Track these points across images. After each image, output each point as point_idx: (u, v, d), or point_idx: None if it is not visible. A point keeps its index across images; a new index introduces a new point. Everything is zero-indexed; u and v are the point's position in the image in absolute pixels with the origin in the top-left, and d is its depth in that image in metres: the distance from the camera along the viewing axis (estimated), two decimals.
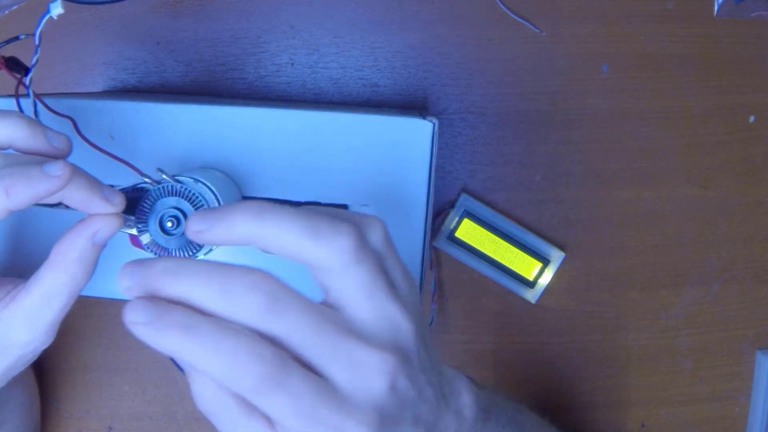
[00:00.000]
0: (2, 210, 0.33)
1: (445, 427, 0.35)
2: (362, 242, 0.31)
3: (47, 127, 0.35)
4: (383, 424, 0.31)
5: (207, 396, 0.31)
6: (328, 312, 0.30)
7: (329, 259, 0.30)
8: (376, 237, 0.33)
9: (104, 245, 0.35)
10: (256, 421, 0.31)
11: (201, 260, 0.31)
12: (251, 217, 0.30)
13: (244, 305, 0.29)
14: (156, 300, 0.29)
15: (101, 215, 0.35)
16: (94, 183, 0.35)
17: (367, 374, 0.30)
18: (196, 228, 0.31)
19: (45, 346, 0.37)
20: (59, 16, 0.37)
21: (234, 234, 0.30)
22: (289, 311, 0.29)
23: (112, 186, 0.36)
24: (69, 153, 0.36)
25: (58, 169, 0.33)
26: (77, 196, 0.34)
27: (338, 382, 0.30)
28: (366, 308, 0.31)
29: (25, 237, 0.43)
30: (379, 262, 0.32)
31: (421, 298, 0.36)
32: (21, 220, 0.43)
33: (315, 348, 0.29)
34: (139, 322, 0.29)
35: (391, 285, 0.32)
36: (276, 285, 0.30)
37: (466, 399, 0.37)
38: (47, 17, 0.37)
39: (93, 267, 0.35)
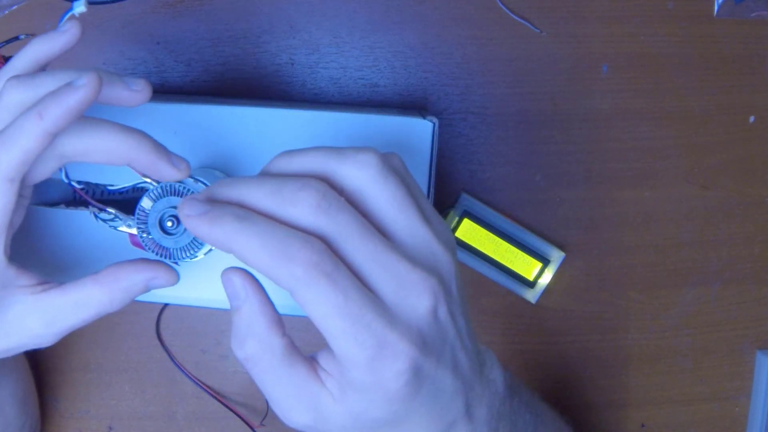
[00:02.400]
0: (42, 133, 0.33)
1: (480, 392, 0.35)
2: (385, 161, 0.31)
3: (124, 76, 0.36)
4: (425, 348, 0.30)
5: (254, 334, 0.31)
6: (371, 225, 0.31)
7: (357, 175, 0.31)
8: (396, 162, 0.33)
9: (147, 292, 0.36)
10: (300, 367, 0.32)
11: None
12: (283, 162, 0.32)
13: (297, 201, 0.29)
14: (211, 199, 0.30)
15: (166, 267, 0.36)
16: (160, 148, 0.35)
17: (411, 291, 0.30)
18: (188, 214, 0.31)
19: (45, 346, 0.37)
20: (81, 14, 0.37)
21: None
22: (340, 212, 0.30)
23: (110, 188, 0.36)
24: (148, 95, 0.36)
25: (84, 79, 0.33)
26: (145, 159, 0.35)
27: (384, 293, 0.30)
28: (403, 227, 0.31)
29: (26, 237, 0.43)
30: (406, 184, 0.32)
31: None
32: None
33: (363, 254, 0.30)
34: (193, 215, 0.30)
35: (422, 211, 0.32)
36: (327, 187, 0.30)
37: (497, 372, 0.37)
38: (69, 15, 0.37)
39: (127, 304, 0.37)
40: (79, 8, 0.37)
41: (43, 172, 0.35)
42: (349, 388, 0.31)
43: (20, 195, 0.35)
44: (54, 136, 0.33)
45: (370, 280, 0.30)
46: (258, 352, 0.32)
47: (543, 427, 0.44)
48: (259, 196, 0.30)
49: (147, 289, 0.36)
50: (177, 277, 0.36)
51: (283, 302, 0.42)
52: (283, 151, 0.32)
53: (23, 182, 0.34)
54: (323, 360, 0.32)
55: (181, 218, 0.30)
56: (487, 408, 0.36)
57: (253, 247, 0.29)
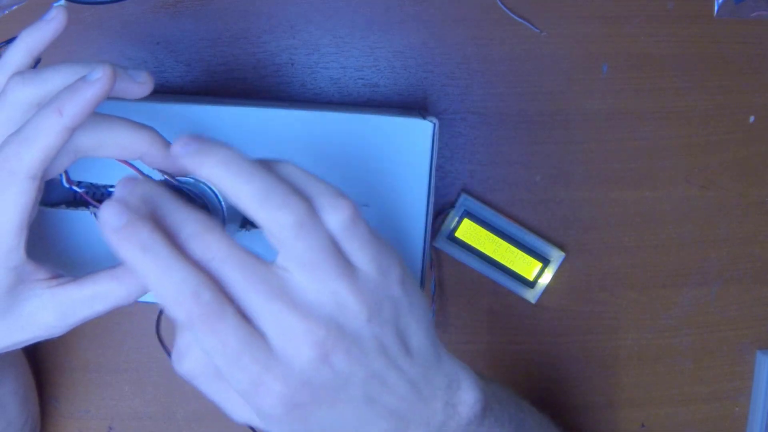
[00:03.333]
0: (62, 130, 0.33)
1: (426, 417, 0.35)
2: (308, 219, 0.32)
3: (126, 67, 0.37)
4: (310, 390, 0.32)
5: (190, 358, 0.34)
6: (268, 270, 0.31)
7: (273, 228, 0.31)
8: (335, 218, 0.33)
9: None
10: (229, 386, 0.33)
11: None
12: (218, 162, 0.31)
13: (187, 243, 0.31)
14: (131, 208, 0.31)
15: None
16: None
17: (294, 339, 0.31)
18: (179, 150, 0.32)
19: (55, 337, 0.38)
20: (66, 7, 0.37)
21: (202, 171, 0.31)
22: (228, 259, 0.31)
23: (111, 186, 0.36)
24: (152, 86, 0.37)
25: (98, 72, 0.34)
26: (156, 153, 0.37)
27: (269, 339, 0.31)
28: (306, 279, 0.32)
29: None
30: (330, 241, 0.32)
31: (421, 292, 0.36)
32: None
33: (249, 301, 0.31)
34: (108, 225, 0.30)
35: (345, 265, 0.32)
36: (220, 234, 0.31)
37: (466, 395, 0.37)
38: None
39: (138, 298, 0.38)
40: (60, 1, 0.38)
41: (58, 167, 0.36)
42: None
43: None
44: (73, 131, 0.34)
45: (259, 326, 0.31)
46: (196, 368, 0.34)
47: None
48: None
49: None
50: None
51: None
52: (233, 154, 0.32)
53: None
54: None
55: (98, 221, 0.30)
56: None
57: (147, 280, 0.30)
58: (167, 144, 0.36)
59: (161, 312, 0.60)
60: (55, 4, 0.37)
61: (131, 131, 0.36)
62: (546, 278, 0.58)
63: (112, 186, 0.41)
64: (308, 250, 0.31)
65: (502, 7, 0.57)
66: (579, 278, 0.60)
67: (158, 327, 0.60)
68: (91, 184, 0.43)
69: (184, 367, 0.34)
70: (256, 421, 0.34)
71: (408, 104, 0.58)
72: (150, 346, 0.60)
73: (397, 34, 0.58)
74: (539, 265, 0.58)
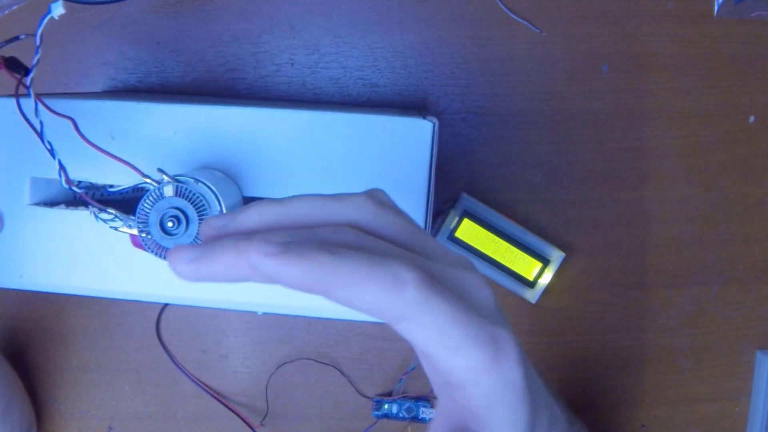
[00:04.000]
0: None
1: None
2: (375, 198, 0.30)
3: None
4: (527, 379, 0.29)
5: None
6: None
7: (359, 214, 0.29)
8: (384, 197, 0.31)
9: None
10: None
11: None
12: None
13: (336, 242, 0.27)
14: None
15: None
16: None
17: (479, 289, 0.29)
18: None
19: None
20: (60, 16, 0.37)
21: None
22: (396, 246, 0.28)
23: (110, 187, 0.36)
24: None
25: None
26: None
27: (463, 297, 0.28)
28: (431, 245, 0.30)
29: (26, 237, 0.43)
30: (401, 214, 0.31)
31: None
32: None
33: (438, 270, 0.29)
34: (270, 254, 0.25)
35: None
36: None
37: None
38: (48, 17, 0.37)
39: None
40: (58, 10, 0.37)
41: None
42: (488, 407, 0.29)
43: None
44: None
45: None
46: None
47: None
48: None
49: None
50: None
51: (286, 303, 0.42)
52: (263, 202, 0.29)
53: None
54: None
55: (252, 256, 0.26)
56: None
57: (358, 283, 0.25)
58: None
59: (161, 312, 0.60)
60: (53, 5, 0.37)
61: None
62: (546, 278, 0.58)
63: (111, 186, 0.41)
64: (398, 219, 0.30)
65: (502, 7, 0.57)
66: (579, 278, 0.60)
67: (158, 327, 0.60)
68: (90, 184, 0.43)
69: None
70: None
71: (408, 104, 0.58)
72: (150, 346, 0.60)
73: (397, 34, 0.58)
74: (539, 265, 0.58)
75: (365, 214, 0.29)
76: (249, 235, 0.27)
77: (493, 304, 0.30)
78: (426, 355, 0.28)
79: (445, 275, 0.29)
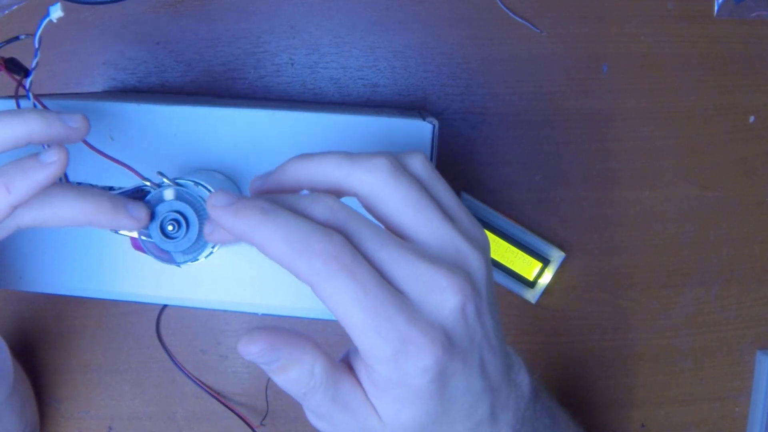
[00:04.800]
0: (6, 206, 0.33)
1: (506, 394, 0.35)
2: (397, 164, 0.32)
3: (59, 112, 0.35)
4: (450, 346, 0.30)
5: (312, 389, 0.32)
6: (389, 232, 0.31)
7: (369, 179, 0.31)
8: (414, 162, 0.33)
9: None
10: (347, 392, 0.32)
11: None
12: (300, 162, 0.33)
13: (318, 202, 0.30)
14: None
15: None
16: (118, 203, 0.36)
17: (436, 289, 0.30)
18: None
19: None
20: (59, 19, 0.37)
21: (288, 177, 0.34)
22: (353, 216, 0.30)
23: (114, 190, 0.36)
24: (88, 130, 0.36)
25: (52, 155, 0.33)
26: (104, 220, 0.35)
27: (408, 292, 0.29)
28: (423, 227, 0.31)
29: (26, 238, 0.43)
30: (421, 185, 0.32)
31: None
32: None
33: (385, 253, 0.30)
34: (219, 206, 0.30)
35: (443, 209, 0.32)
36: (347, 210, 0.30)
37: (523, 376, 0.37)
38: (47, 21, 0.37)
39: None
40: (56, 14, 0.37)
41: None
42: (379, 389, 0.31)
43: None
44: (16, 209, 0.34)
45: (394, 279, 0.29)
46: (319, 405, 0.32)
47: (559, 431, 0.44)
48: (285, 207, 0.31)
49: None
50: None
51: (285, 304, 0.42)
52: (298, 155, 0.33)
53: None
54: (354, 362, 0.33)
55: (208, 208, 0.31)
56: (512, 412, 0.35)
57: (274, 239, 0.29)
58: (115, 205, 0.35)
59: (161, 312, 0.60)
60: (52, 8, 0.37)
61: (75, 205, 0.35)
62: (546, 278, 0.58)
63: (111, 188, 0.41)
64: (409, 190, 0.31)
65: (502, 7, 0.57)
66: (579, 278, 0.60)
67: (158, 327, 0.60)
68: (90, 185, 0.43)
69: (310, 404, 0.32)
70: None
71: (408, 104, 0.58)
72: (150, 346, 0.60)
73: (397, 34, 0.58)
74: (539, 265, 0.58)
75: (373, 181, 0.31)
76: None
77: (449, 314, 0.30)
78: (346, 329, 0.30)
79: (393, 271, 0.30)
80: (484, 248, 0.33)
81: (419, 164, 0.33)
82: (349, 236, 0.29)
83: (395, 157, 0.32)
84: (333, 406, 0.31)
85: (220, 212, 0.30)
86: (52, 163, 0.33)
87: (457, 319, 0.30)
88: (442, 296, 0.30)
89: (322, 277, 0.28)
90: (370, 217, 0.32)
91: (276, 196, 0.31)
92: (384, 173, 0.31)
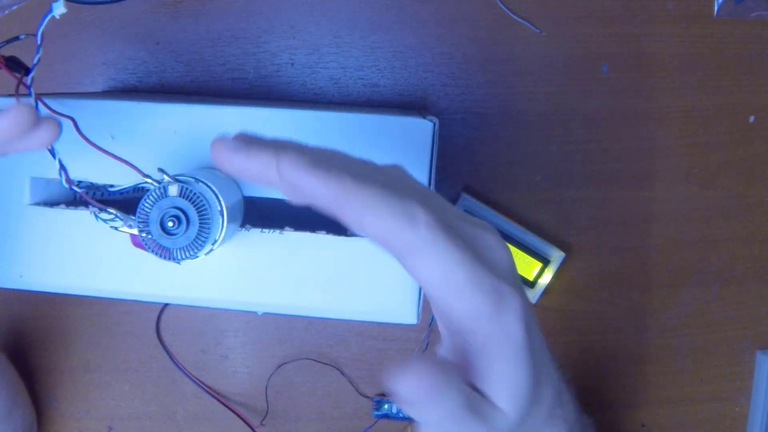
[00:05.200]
0: None
1: (563, 391, 0.35)
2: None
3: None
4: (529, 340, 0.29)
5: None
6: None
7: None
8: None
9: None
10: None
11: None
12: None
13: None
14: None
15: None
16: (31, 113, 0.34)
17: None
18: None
19: None
20: (62, 15, 0.37)
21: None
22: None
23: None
24: (58, 133, 0.35)
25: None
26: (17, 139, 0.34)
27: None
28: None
29: (25, 237, 0.43)
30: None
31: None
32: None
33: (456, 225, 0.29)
34: (298, 166, 0.28)
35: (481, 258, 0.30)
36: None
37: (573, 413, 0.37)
38: (50, 17, 0.37)
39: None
40: (59, 10, 0.37)
41: None
42: (484, 357, 0.29)
43: None
44: None
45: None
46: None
47: None
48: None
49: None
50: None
51: (286, 303, 0.42)
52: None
53: None
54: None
55: (280, 165, 0.28)
56: (569, 410, 0.36)
57: (376, 208, 0.27)
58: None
59: (161, 312, 0.60)
60: (54, 4, 0.37)
61: None
62: (546, 278, 0.58)
63: (112, 186, 0.41)
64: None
65: (502, 7, 0.57)
66: (579, 278, 0.60)
67: (158, 327, 0.60)
68: (90, 183, 0.43)
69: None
70: None
71: (408, 104, 0.58)
72: (150, 346, 0.60)
73: (397, 34, 0.58)
74: (539, 265, 0.58)
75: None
76: (285, 144, 0.29)
77: (506, 264, 0.30)
78: (430, 297, 0.29)
79: (462, 229, 0.29)
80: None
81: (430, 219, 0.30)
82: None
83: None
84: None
85: (299, 172, 0.28)
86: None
87: (515, 273, 0.31)
88: (500, 253, 0.30)
89: (427, 243, 0.27)
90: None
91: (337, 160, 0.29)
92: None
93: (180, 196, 0.37)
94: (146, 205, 0.37)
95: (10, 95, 0.39)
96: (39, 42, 0.37)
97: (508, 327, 0.28)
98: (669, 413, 0.61)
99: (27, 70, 0.39)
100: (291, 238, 0.41)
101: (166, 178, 0.37)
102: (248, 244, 0.42)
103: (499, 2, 0.57)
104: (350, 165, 0.30)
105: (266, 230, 0.41)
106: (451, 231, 0.28)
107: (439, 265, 0.28)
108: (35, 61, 0.38)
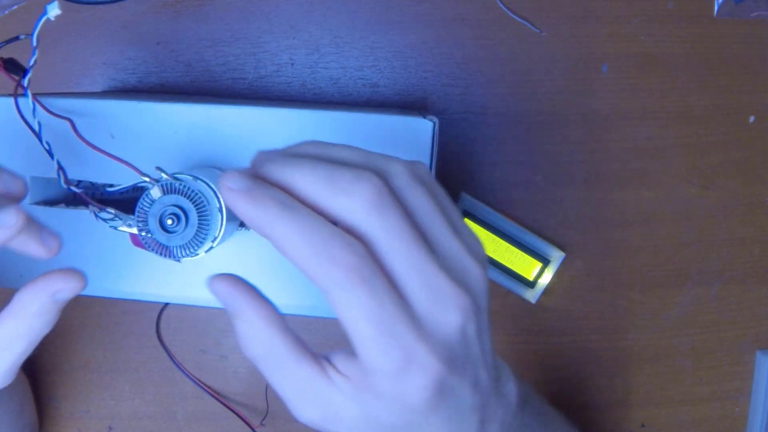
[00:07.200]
0: None
1: (494, 407, 0.34)
2: (413, 170, 0.30)
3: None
4: (451, 364, 0.29)
5: (255, 337, 0.31)
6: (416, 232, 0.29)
7: (397, 177, 0.29)
8: (423, 171, 0.31)
9: (66, 302, 0.35)
10: (306, 364, 0.31)
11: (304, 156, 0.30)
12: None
13: (352, 192, 0.28)
14: (256, 175, 0.29)
15: (64, 274, 0.34)
16: (33, 227, 0.35)
17: (446, 306, 0.29)
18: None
19: (4, 385, 0.37)
20: (57, 17, 0.37)
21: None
22: (392, 213, 0.28)
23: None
24: (57, 251, 0.36)
25: (10, 219, 0.33)
26: (16, 245, 0.34)
27: (417, 304, 0.28)
28: (436, 238, 0.30)
29: None
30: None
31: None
32: None
33: (405, 261, 0.28)
34: (236, 189, 0.28)
35: (451, 222, 0.31)
36: (384, 184, 0.28)
37: (511, 386, 0.36)
38: (44, 19, 0.37)
39: (54, 319, 0.35)
40: (54, 11, 0.37)
41: None
42: (368, 392, 0.30)
43: None
44: None
45: (405, 289, 0.29)
46: (262, 353, 0.31)
47: None
48: (310, 179, 0.28)
49: (59, 303, 0.35)
50: (84, 281, 0.35)
51: (286, 302, 0.42)
52: (316, 141, 0.31)
53: None
54: (340, 361, 0.32)
55: (222, 190, 0.28)
56: (499, 424, 0.35)
57: (294, 241, 0.27)
58: (29, 228, 0.34)
59: (161, 312, 0.60)
60: (49, 6, 0.37)
61: None
62: (546, 278, 0.58)
63: (111, 185, 0.41)
64: (425, 200, 0.30)
65: (502, 7, 0.57)
66: (579, 278, 0.60)
67: (158, 327, 0.60)
68: (90, 183, 0.43)
69: (252, 352, 0.31)
70: (320, 421, 0.31)
71: (408, 104, 0.58)
72: (150, 346, 0.60)
73: (397, 34, 0.58)
74: (539, 265, 0.58)
75: (393, 178, 0.30)
76: (261, 157, 0.30)
77: (453, 333, 0.30)
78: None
79: (409, 279, 0.29)
80: (484, 264, 0.32)
81: (426, 174, 0.31)
82: (373, 240, 0.28)
83: (406, 162, 0.31)
84: (286, 360, 0.31)
85: (236, 197, 0.28)
86: (8, 228, 0.32)
87: (458, 338, 0.30)
88: (451, 314, 0.29)
89: (339, 287, 0.27)
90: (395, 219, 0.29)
91: (306, 179, 0.28)
92: (405, 176, 0.29)
93: (178, 194, 0.37)
94: (145, 203, 0.37)
95: (9, 95, 0.39)
96: (35, 44, 0.37)
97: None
98: (669, 413, 0.61)
99: (24, 72, 0.38)
100: None
101: (165, 176, 0.37)
102: (248, 243, 0.42)
103: (499, 2, 0.57)
104: (356, 161, 0.30)
105: None
106: (375, 279, 0.28)
107: (357, 313, 0.28)
108: (31, 63, 0.38)
